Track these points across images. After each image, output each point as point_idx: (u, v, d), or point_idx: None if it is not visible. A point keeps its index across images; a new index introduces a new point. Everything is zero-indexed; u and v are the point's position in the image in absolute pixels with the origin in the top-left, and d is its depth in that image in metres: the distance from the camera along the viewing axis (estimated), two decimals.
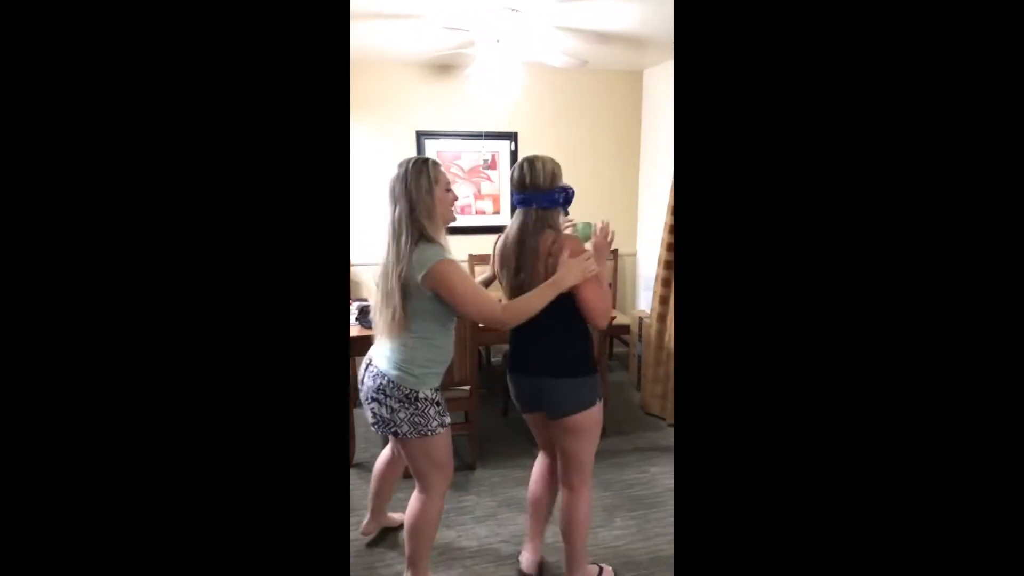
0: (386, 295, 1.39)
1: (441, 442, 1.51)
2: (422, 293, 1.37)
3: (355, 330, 2.35)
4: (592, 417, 1.55)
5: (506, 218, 3.55)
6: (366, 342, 2.30)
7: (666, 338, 2.89)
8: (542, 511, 1.80)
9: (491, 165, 3.58)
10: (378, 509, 1.99)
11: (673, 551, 1.95)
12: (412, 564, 1.66)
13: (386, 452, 1.93)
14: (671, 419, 2.93)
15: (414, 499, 1.60)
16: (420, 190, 1.37)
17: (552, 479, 1.75)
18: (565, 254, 1.42)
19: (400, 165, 1.40)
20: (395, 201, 1.39)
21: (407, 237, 1.37)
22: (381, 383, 1.43)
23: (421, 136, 3.40)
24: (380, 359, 1.47)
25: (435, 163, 1.43)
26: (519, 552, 1.89)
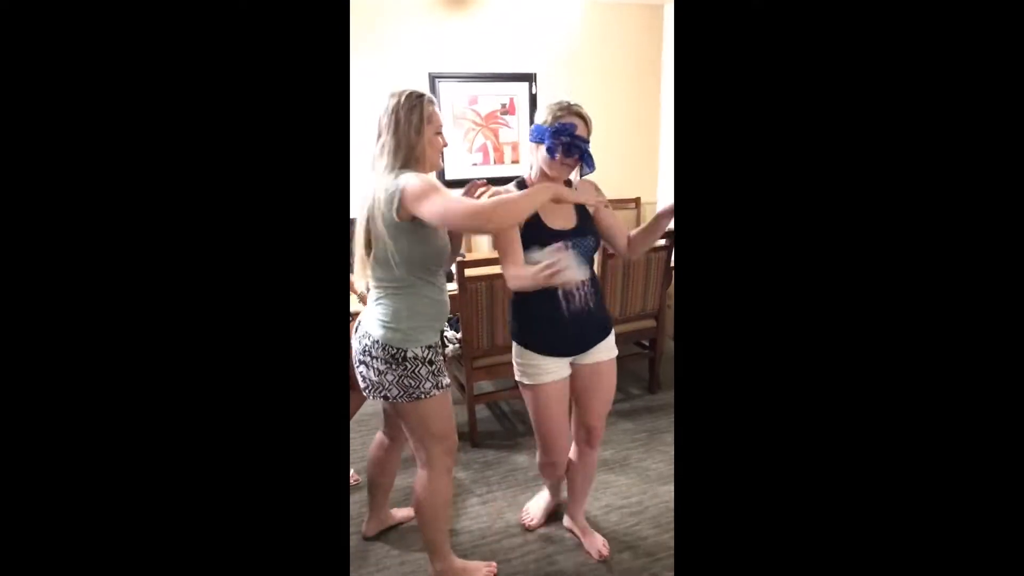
0: (363, 238, 1.26)
1: (437, 406, 1.34)
2: (399, 230, 1.21)
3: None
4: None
5: (525, 169, 3.37)
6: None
7: None
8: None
9: (508, 110, 3.37)
10: (378, 506, 1.76)
11: None
12: (432, 552, 1.50)
13: (378, 436, 1.70)
14: None
15: (418, 478, 1.44)
16: (409, 127, 1.23)
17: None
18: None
19: (392, 96, 1.25)
20: (380, 134, 1.24)
21: (383, 174, 1.22)
22: (366, 344, 1.29)
23: (435, 79, 3.17)
24: (367, 318, 1.32)
25: (430, 100, 1.27)
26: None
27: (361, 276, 1.33)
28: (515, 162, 3.46)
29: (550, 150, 1.30)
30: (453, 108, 3.25)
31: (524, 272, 1.24)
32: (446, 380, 1.37)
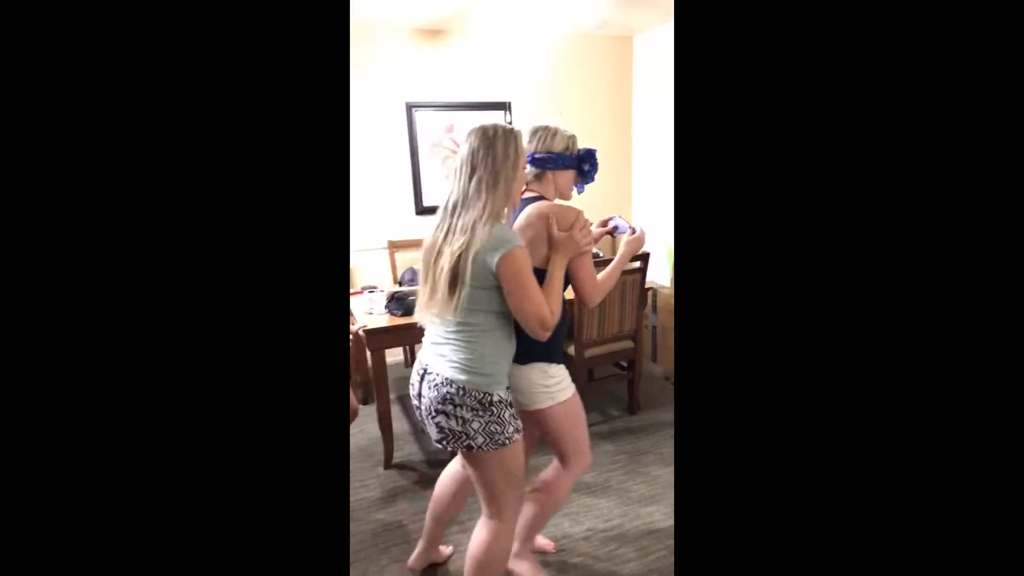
0: (447, 280, 1.19)
1: (518, 451, 1.30)
2: (486, 281, 1.19)
3: (386, 320, 2.25)
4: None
5: None
6: (399, 332, 2.22)
7: None
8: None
9: None
10: (433, 540, 1.69)
11: None
12: None
13: (454, 467, 1.60)
14: None
15: (483, 528, 1.35)
16: (507, 162, 1.20)
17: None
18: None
19: (483, 130, 1.22)
20: (474, 169, 1.19)
21: (481, 212, 1.17)
22: (448, 392, 1.22)
23: (411, 108, 3.22)
24: (440, 364, 1.26)
25: (520, 134, 1.26)
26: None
27: (430, 314, 1.26)
28: None
29: (588, 176, 1.48)
30: (430, 136, 3.30)
31: (608, 272, 1.44)
32: (521, 423, 1.33)
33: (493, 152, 1.19)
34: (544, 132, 1.41)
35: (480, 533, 1.35)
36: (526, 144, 1.38)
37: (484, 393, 1.22)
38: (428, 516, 1.65)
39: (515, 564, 1.62)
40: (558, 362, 1.43)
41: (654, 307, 3.18)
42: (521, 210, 1.39)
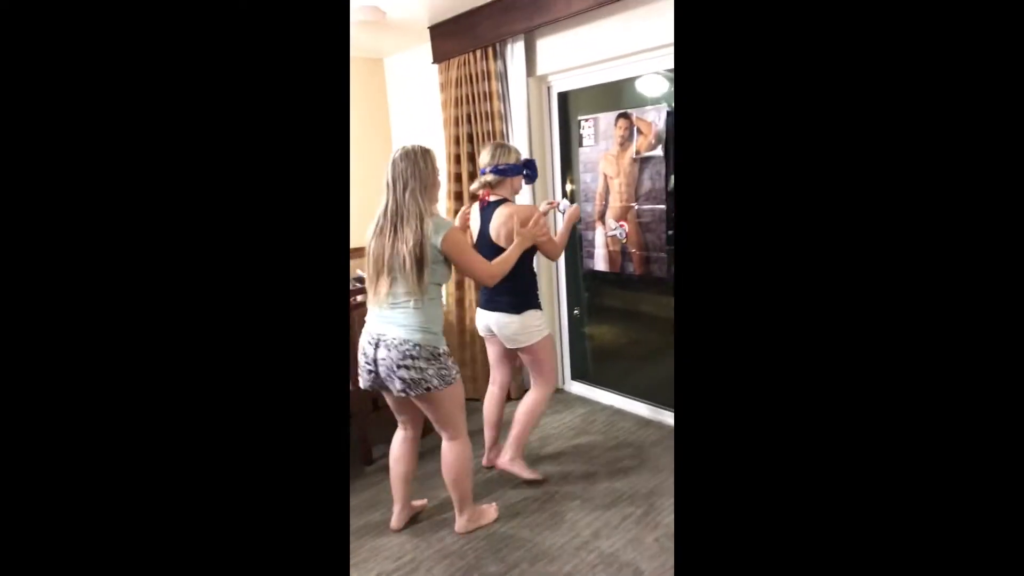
0: (398, 269, 1.60)
1: (461, 387, 1.79)
2: (436, 258, 1.62)
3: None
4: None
5: None
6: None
7: (467, 321, 2.91)
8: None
9: None
10: (405, 497, 1.99)
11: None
12: (463, 504, 1.91)
13: (398, 434, 1.96)
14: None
15: (448, 450, 1.83)
16: (428, 173, 1.63)
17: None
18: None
19: (408, 152, 1.63)
20: (406, 183, 1.60)
21: (420, 212, 1.60)
22: (406, 349, 1.62)
23: None
24: (395, 330, 1.64)
25: (433, 152, 1.68)
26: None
27: (378, 291, 1.65)
28: None
29: (530, 178, 2.05)
30: None
31: (557, 238, 2.07)
32: (458, 367, 1.79)
33: (418, 168, 1.62)
34: (501, 149, 1.96)
35: (447, 453, 1.84)
36: (489, 158, 1.96)
37: (433, 347, 1.67)
38: (393, 481, 1.97)
39: (510, 466, 2.22)
40: (540, 308, 2.09)
41: None
42: (492, 209, 1.95)
